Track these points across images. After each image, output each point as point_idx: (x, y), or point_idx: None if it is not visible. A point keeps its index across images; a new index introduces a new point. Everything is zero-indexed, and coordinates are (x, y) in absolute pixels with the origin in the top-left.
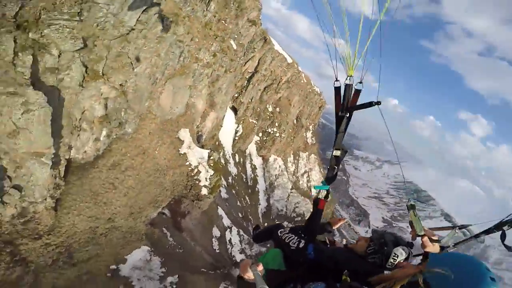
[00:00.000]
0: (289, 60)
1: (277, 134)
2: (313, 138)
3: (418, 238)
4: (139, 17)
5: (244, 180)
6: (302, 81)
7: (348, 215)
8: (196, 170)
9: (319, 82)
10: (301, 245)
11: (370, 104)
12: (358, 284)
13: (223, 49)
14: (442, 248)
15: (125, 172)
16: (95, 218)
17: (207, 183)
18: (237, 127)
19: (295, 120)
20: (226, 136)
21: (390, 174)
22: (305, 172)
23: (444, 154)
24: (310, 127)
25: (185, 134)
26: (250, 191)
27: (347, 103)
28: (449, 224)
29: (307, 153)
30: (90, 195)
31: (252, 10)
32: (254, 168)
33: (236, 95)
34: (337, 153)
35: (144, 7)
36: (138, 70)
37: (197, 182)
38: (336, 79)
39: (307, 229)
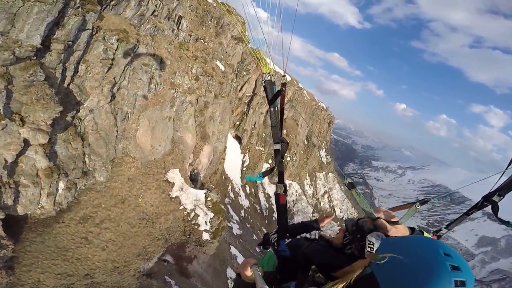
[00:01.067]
0: (288, 78)
1: (288, 158)
2: (327, 157)
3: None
4: (52, 33)
5: (259, 211)
6: (305, 98)
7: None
8: (192, 214)
9: (323, 97)
10: (276, 243)
11: (278, 93)
12: (323, 279)
13: (207, 71)
14: (413, 230)
15: (101, 224)
16: (67, 275)
17: (207, 227)
18: (244, 157)
19: (305, 141)
20: (233, 168)
21: (416, 180)
22: (325, 192)
23: (467, 151)
24: (323, 145)
25: (174, 175)
26: (266, 221)
27: (269, 96)
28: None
29: (323, 172)
30: (56, 252)
31: (235, 25)
32: (268, 197)
33: (238, 122)
34: (277, 146)
35: (53, 19)
36: (90, 104)
37: (195, 227)
38: (262, 79)
39: (277, 226)
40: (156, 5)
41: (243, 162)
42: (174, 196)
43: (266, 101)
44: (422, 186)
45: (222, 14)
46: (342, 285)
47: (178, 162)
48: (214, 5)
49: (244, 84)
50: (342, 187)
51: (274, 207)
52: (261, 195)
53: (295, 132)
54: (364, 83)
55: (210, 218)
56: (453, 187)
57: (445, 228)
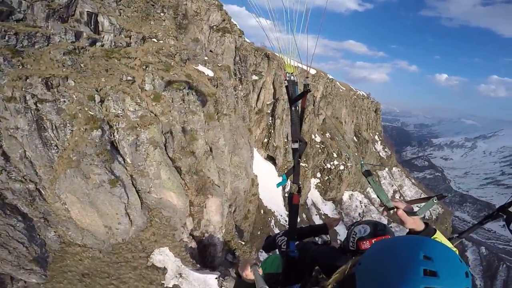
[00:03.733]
0: (312, 71)
1: (341, 166)
2: (386, 149)
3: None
4: None
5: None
6: (341, 90)
7: (466, 214)
8: None
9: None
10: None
11: (303, 93)
12: (326, 280)
13: (175, 81)
14: (427, 225)
15: None
16: None
17: None
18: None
19: (354, 138)
20: (273, 197)
21: (492, 150)
22: (394, 192)
23: None
24: (376, 137)
25: (164, 256)
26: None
27: (292, 96)
28: None
29: (386, 169)
30: None
31: (207, 12)
32: (326, 217)
33: (265, 139)
34: (295, 145)
35: None
36: None
37: None
38: (285, 78)
39: (288, 227)
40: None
41: (283, 187)
42: (170, 286)
43: (312, 104)
44: (504, 156)
45: (179, 0)
46: (330, 283)
47: (164, 237)
48: None
49: (260, 90)
50: (413, 180)
51: (339, 228)
52: (316, 218)
53: (341, 132)
54: (393, 62)
55: None
56: None
57: (457, 236)
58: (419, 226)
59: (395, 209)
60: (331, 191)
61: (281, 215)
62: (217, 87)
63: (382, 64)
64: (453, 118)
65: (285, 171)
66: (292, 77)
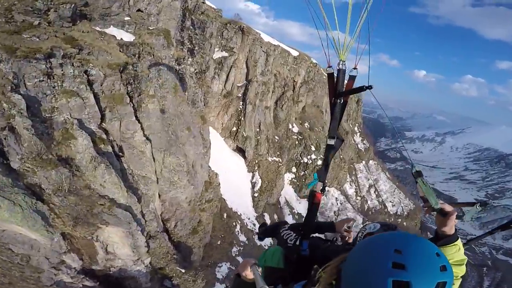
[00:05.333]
0: (295, 53)
1: (319, 160)
2: (364, 142)
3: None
4: None
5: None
6: (324, 77)
7: None
8: None
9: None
10: (298, 242)
11: (361, 89)
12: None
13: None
14: (455, 231)
15: None
16: None
17: None
18: (253, 177)
19: None
20: (240, 196)
21: (459, 146)
22: (370, 186)
23: (506, 107)
24: (356, 128)
25: None
26: None
27: (340, 88)
28: None
29: (363, 162)
30: None
31: None
32: (299, 217)
33: (234, 128)
34: (331, 141)
35: None
36: None
37: None
38: (329, 65)
39: (303, 225)
40: None
41: (253, 185)
42: None
43: (292, 90)
44: (468, 152)
45: None
46: (326, 277)
47: (23, 281)
48: None
49: (230, 70)
50: (388, 174)
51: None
52: (289, 219)
53: (321, 123)
54: (375, 56)
55: None
56: (503, 148)
57: (464, 243)
58: (451, 230)
59: (444, 213)
60: (306, 188)
61: (248, 218)
62: (139, 57)
63: (364, 56)
64: (426, 113)
65: (258, 168)
66: (343, 66)
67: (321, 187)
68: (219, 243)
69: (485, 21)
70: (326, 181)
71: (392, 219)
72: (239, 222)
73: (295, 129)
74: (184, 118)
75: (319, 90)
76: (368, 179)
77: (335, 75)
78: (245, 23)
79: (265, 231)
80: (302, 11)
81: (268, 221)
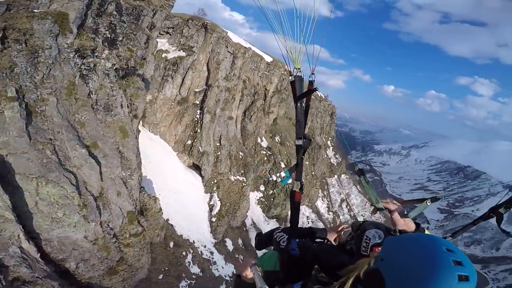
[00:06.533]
0: (268, 59)
1: (290, 181)
2: (337, 156)
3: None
4: None
5: None
6: None
7: None
8: None
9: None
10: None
11: (309, 91)
12: (326, 278)
13: None
14: (418, 225)
15: None
16: None
17: None
18: (210, 199)
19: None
20: (196, 222)
21: (422, 158)
22: (342, 201)
23: (463, 122)
24: (328, 142)
25: None
26: None
27: (298, 93)
28: None
29: (335, 176)
30: None
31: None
32: None
33: (189, 141)
34: (299, 142)
35: None
36: None
37: None
38: (290, 73)
39: (290, 224)
40: None
41: (210, 207)
42: None
43: (263, 99)
44: (431, 165)
45: None
46: (350, 281)
47: None
48: None
49: (187, 72)
50: (359, 187)
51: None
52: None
53: (293, 136)
54: (349, 71)
55: None
56: (462, 161)
57: (450, 236)
58: (410, 227)
59: (389, 211)
60: (275, 208)
61: (204, 246)
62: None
63: (340, 71)
64: (393, 127)
65: (217, 189)
66: (299, 73)
67: (299, 186)
68: (160, 277)
69: (450, 38)
70: (303, 180)
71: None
72: (191, 251)
73: (264, 144)
74: (85, 130)
75: (292, 101)
76: (340, 194)
77: (290, 81)
78: (209, 19)
79: (259, 241)
80: (282, 24)
81: (230, 247)
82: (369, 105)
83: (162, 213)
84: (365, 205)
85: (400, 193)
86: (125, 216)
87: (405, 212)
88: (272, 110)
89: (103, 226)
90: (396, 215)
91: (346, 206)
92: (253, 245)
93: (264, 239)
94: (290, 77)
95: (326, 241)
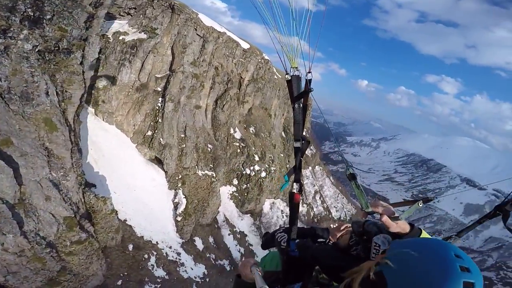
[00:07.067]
0: (245, 46)
1: (263, 172)
2: (311, 147)
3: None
4: None
5: (228, 265)
6: (275, 77)
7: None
8: None
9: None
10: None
11: (305, 92)
12: (327, 280)
13: None
14: (412, 226)
15: None
16: None
17: None
18: (174, 197)
19: (283, 133)
20: (157, 223)
21: (390, 151)
22: (315, 192)
23: (429, 117)
24: (304, 133)
25: None
26: None
27: (295, 93)
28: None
29: (309, 168)
30: None
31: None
32: (242, 236)
33: (150, 132)
34: (298, 144)
35: None
36: None
37: None
38: (286, 72)
39: (289, 227)
40: None
41: (175, 205)
42: None
43: (237, 88)
44: (398, 157)
45: None
46: (357, 283)
47: None
48: None
49: (148, 56)
50: (332, 178)
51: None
52: (229, 240)
53: (268, 127)
54: (326, 64)
55: None
56: (426, 154)
57: (455, 235)
58: (404, 228)
59: (379, 215)
60: (249, 202)
61: (170, 247)
62: None
63: (317, 64)
64: (365, 120)
65: (182, 185)
66: (296, 72)
67: (298, 188)
68: (119, 283)
69: (424, 37)
70: (302, 182)
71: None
72: (155, 253)
73: (238, 135)
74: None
75: (269, 91)
76: (314, 185)
77: (286, 80)
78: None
79: (266, 240)
80: (277, 19)
81: (200, 247)
82: (343, 98)
83: (117, 213)
84: (337, 196)
85: (369, 183)
86: (61, 223)
87: (396, 214)
88: (247, 99)
89: (29, 236)
90: (385, 219)
91: (320, 198)
92: (261, 245)
93: (270, 239)
94: (286, 76)
95: (328, 241)
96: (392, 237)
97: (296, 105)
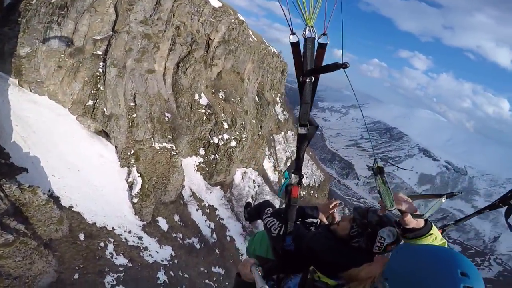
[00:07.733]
0: (216, 4)
1: (233, 142)
2: (284, 112)
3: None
4: None
5: (198, 243)
6: (250, 40)
7: (334, 171)
8: None
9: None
10: (282, 231)
11: (336, 67)
12: (323, 285)
13: None
14: (426, 222)
15: None
16: None
17: None
18: (128, 175)
19: (256, 98)
20: (110, 206)
21: (358, 117)
22: (287, 159)
23: (396, 90)
24: (277, 98)
25: None
26: (219, 250)
27: (309, 63)
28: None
29: (282, 133)
30: None
31: None
32: (212, 211)
33: (91, 102)
34: (303, 130)
35: None
36: None
37: None
38: (292, 31)
39: (284, 224)
40: None
41: (130, 185)
42: None
43: (205, 50)
44: (365, 123)
45: None
46: None
47: None
48: None
49: (83, 15)
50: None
51: (229, 222)
52: (197, 216)
53: (240, 92)
54: (302, 29)
55: None
56: (390, 122)
57: (453, 223)
58: (419, 224)
59: (400, 212)
60: (218, 174)
61: (129, 232)
62: None
63: (296, 30)
64: (337, 87)
65: (136, 161)
66: (312, 34)
67: (298, 180)
68: (76, 277)
69: (405, 14)
70: (302, 174)
71: (305, 192)
72: (112, 240)
73: (204, 101)
74: None
75: (242, 54)
76: (286, 151)
77: (302, 45)
78: None
79: (249, 214)
80: None
81: (165, 227)
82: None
83: (59, 200)
84: (308, 162)
85: (336, 148)
86: None
87: (418, 212)
88: (216, 62)
89: None
90: (409, 218)
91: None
92: (244, 218)
93: (253, 213)
94: (291, 37)
95: (318, 221)
96: (403, 231)
97: (308, 80)
